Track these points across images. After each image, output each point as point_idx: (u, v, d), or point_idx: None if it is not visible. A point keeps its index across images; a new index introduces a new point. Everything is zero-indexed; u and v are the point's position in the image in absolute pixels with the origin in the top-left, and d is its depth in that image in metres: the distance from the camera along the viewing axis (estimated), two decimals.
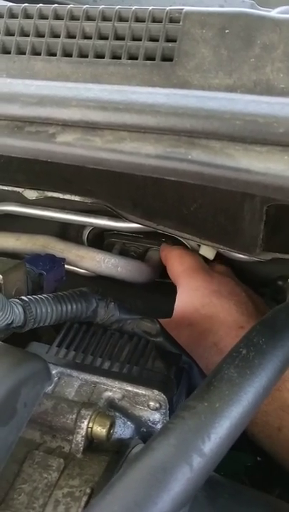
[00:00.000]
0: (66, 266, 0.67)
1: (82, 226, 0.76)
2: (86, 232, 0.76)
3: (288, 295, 0.63)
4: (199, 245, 0.69)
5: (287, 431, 0.49)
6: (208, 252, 0.68)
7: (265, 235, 0.52)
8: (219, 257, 0.68)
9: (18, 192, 0.65)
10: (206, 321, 0.58)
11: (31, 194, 0.66)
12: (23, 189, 0.65)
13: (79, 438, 0.35)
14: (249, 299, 0.62)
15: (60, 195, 0.64)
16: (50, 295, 0.41)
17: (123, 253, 0.75)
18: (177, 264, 0.67)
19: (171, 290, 0.66)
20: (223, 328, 0.56)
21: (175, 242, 0.72)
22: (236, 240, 0.55)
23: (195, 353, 0.53)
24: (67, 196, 0.64)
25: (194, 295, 0.61)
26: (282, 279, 0.66)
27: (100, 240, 0.77)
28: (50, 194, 0.65)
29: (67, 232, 0.77)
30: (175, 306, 0.63)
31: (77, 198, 0.64)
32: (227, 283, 0.63)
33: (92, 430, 0.36)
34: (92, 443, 0.37)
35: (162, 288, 0.73)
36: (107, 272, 0.69)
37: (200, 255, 0.69)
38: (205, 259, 0.69)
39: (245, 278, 0.68)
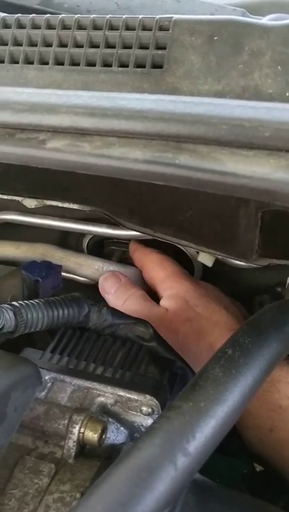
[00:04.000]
0: (65, 274, 0.67)
1: (81, 234, 0.76)
2: (86, 241, 0.77)
3: None
4: (198, 252, 0.69)
5: (278, 431, 0.49)
6: (206, 259, 0.68)
7: (260, 240, 0.52)
8: (218, 264, 0.68)
9: (18, 201, 0.66)
10: (202, 319, 0.58)
11: (30, 203, 0.67)
12: (22, 198, 0.66)
13: (71, 443, 0.35)
14: (235, 306, 0.63)
15: (59, 204, 0.65)
16: (42, 300, 0.42)
17: (122, 261, 0.75)
18: (158, 270, 0.66)
19: None
20: (217, 330, 0.56)
21: (175, 249, 0.72)
22: (232, 246, 0.55)
23: (192, 352, 0.53)
24: (66, 204, 0.64)
25: (187, 295, 0.61)
26: (281, 286, 0.66)
27: (100, 248, 0.78)
28: (49, 202, 0.65)
29: (66, 241, 0.78)
30: (167, 306, 0.61)
31: (75, 206, 0.64)
32: (213, 289, 0.64)
33: (83, 435, 0.36)
34: (84, 448, 0.37)
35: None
36: None
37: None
38: (204, 266, 0.69)
39: (243, 285, 0.68)
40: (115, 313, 0.47)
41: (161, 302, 0.62)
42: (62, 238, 0.77)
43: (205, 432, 0.28)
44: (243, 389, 0.30)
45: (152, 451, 0.27)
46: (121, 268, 0.70)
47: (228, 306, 0.61)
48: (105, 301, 0.63)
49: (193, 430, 0.28)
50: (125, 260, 0.76)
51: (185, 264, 0.73)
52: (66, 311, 0.42)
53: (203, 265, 0.69)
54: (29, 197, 0.65)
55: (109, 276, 0.66)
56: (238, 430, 0.51)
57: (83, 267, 0.70)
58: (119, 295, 0.63)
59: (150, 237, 0.64)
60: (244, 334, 0.34)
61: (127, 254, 0.76)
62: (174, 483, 0.27)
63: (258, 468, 0.54)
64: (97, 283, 0.71)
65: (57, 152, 0.33)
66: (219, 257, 0.66)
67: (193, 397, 0.30)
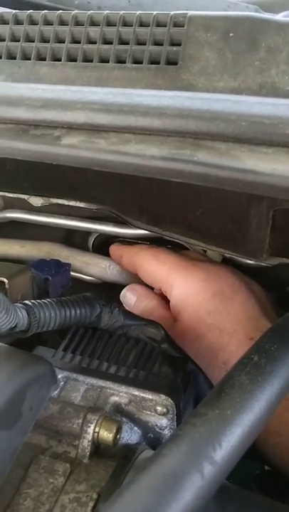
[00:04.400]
0: (72, 273, 0.67)
1: (87, 233, 0.76)
2: (91, 240, 0.76)
3: None
4: (205, 251, 0.69)
5: None
6: (214, 257, 0.68)
7: (271, 239, 0.52)
8: (226, 263, 0.68)
9: (24, 199, 0.66)
10: (213, 334, 0.54)
11: (36, 201, 0.66)
12: (28, 196, 0.65)
13: (85, 443, 0.35)
14: (250, 293, 0.57)
15: (66, 202, 0.64)
16: (54, 299, 0.41)
17: None
18: (156, 265, 0.59)
19: None
20: (233, 342, 0.53)
21: (182, 248, 0.72)
22: (243, 245, 0.54)
23: (206, 371, 0.49)
24: (72, 203, 0.64)
25: (196, 301, 0.56)
26: None
27: (106, 247, 0.77)
28: (55, 201, 0.65)
29: (72, 239, 0.77)
30: (175, 313, 0.57)
31: (82, 205, 0.64)
32: (225, 277, 0.58)
33: (98, 435, 0.35)
34: (98, 448, 0.36)
35: None
36: (113, 278, 0.69)
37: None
38: None
39: None
40: (127, 314, 0.47)
41: (171, 306, 0.58)
42: (67, 237, 0.77)
43: (231, 440, 0.28)
44: (269, 397, 0.30)
45: (178, 458, 0.27)
46: None
47: (245, 300, 0.55)
48: (116, 301, 0.60)
49: (220, 438, 0.27)
50: None
51: None
52: (78, 311, 0.42)
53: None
54: (36, 195, 0.65)
55: (126, 291, 0.63)
56: (259, 447, 0.49)
57: (90, 265, 0.69)
58: (137, 308, 0.59)
59: (157, 236, 0.64)
60: (270, 340, 0.33)
61: None
62: (200, 493, 0.26)
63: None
64: (104, 282, 0.71)
65: (72, 148, 0.33)
66: (227, 255, 0.66)
67: (219, 404, 0.29)
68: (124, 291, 0.63)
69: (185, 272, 0.57)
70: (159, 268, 0.58)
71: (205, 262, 0.61)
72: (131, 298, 0.61)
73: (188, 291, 0.56)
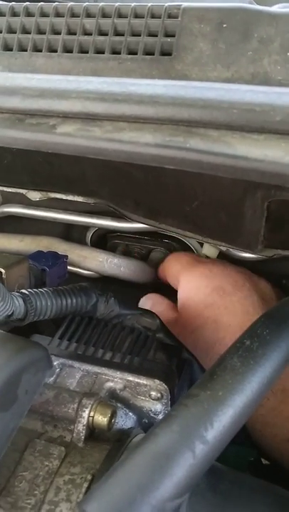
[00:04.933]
0: (70, 267, 0.67)
1: (85, 228, 0.76)
2: (89, 234, 0.77)
3: None
4: (202, 245, 0.70)
5: None
6: (210, 251, 0.68)
7: (266, 231, 0.52)
8: (222, 257, 0.68)
9: (22, 193, 0.66)
10: (210, 326, 0.55)
11: (35, 195, 0.67)
12: (26, 190, 0.66)
13: (80, 427, 0.36)
14: (254, 290, 0.59)
15: (64, 196, 0.65)
16: (50, 288, 0.42)
17: (126, 254, 0.75)
18: (175, 263, 0.65)
19: (173, 290, 0.66)
20: (229, 335, 0.54)
21: (178, 242, 0.72)
22: (238, 236, 0.55)
23: (203, 363, 0.51)
24: (70, 197, 0.64)
25: (196, 295, 0.59)
26: (286, 278, 0.66)
27: (103, 242, 0.78)
28: (53, 195, 0.65)
29: (70, 234, 0.78)
30: (178, 308, 0.61)
31: (80, 199, 0.64)
32: (229, 274, 0.60)
33: (93, 419, 0.36)
34: (93, 432, 0.37)
35: (165, 288, 0.73)
36: (110, 272, 0.70)
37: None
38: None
39: None
40: (122, 303, 0.47)
41: (178, 301, 0.61)
42: (65, 231, 0.78)
43: (223, 420, 0.28)
44: (261, 379, 0.30)
45: (170, 437, 0.27)
46: (125, 261, 0.70)
47: (245, 297, 0.58)
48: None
49: (211, 419, 0.28)
50: (129, 253, 0.76)
51: None
52: (74, 300, 0.43)
53: (207, 258, 0.69)
54: (34, 189, 0.65)
55: (143, 299, 0.66)
56: (256, 438, 0.50)
57: (88, 259, 0.70)
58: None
59: (154, 230, 0.64)
60: (262, 325, 0.34)
61: (131, 248, 0.76)
62: (192, 471, 0.27)
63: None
64: (101, 276, 0.71)
65: (67, 137, 0.33)
66: (223, 249, 0.66)
67: (211, 385, 0.30)
68: (142, 299, 0.67)
69: (191, 268, 0.62)
70: (176, 265, 0.65)
71: (214, 261, 0.65)
72: (146, 305, 0.64)
73: (190, 285, 0.60)
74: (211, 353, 0.53)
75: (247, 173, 0.31)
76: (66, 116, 0.34)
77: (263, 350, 0.32)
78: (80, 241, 0.77)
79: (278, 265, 0.66)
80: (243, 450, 0.47)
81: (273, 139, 0.30)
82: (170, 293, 0.68)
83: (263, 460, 0.52)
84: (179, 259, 0.65)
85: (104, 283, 0.71)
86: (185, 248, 0.73)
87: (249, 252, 0.56)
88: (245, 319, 0.55)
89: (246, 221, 0.52)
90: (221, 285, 0.58)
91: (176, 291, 0.64)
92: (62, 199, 0.65)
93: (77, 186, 0.61)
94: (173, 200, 0.56)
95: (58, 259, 0.54)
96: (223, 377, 0.30)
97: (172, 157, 0.31)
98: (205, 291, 0.58)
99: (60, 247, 0.71)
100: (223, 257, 0.68)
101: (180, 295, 0.62)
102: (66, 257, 0.57)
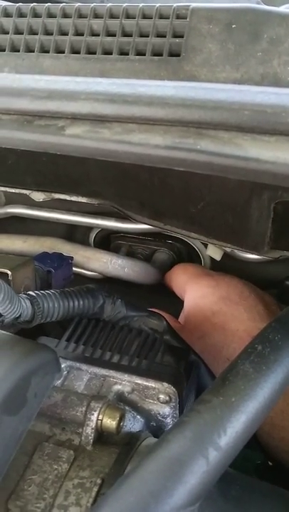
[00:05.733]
0: (73, 268, 0.67)
1: (88, 228, 0.76)
2: (93, 235, 0.77)
3: None
4: (206, 246, 0.69)
5: None
6: (215, 252, 0.68)
7: (272, 232, 0.52)
8: (226, 258, 0.68)
9: (25, 194, 0.66)
10: (218, 332, 0.56)
11: (38, 196, 0.66)
12: (30, 191, 0.66)
13: (89, 430, 0.35)
14: (259, 301, 0.60)
15: (67, 197, 0.64)
16: (58, 291, 0.41)
17: (130, 255, 0.75)
18: (181, 273, 0.67)
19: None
20: (236, 340, 0.55)
21: (181, 243, 0.72)
22: (244, 238, 0.54)
23: (210, 367, 0.52)
24: (74, 198, 0.64)
25: (202, 303, 0.60)
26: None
27: (107, 243, 0.78)
28: (57, 196, 0.65)
29: (73, 235, 0.78)
30: (184, 315, 0.61)
31: (84, 200, 0.64)
32: (235, 286, 0.62)
33: (102, 422, 0.36)
34: (101, 435, 0.37)
35: (169, 289, 0.73)
36: (114, 273, 0.70)
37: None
38: (212, 260, 0.69)
39: (252, 279, 0.68)
40: (129, 305, 0.47)
41: (183, 310, 0.62)
42: (69, 232, 0.77)
43: (236, 427, 0.28)
44: (273, 385, 0.30)
45: (183, 444, 0.27)
46: (129, 262, 0.70)
47: (250, 306, 0.59)
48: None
49: (225, 425, 0.28)
50: (132, 254, 0.76)
51: (193, 258, 0.73)
52: (81, 302, 0.42)
53: (212, 259, 0.69)
54: (37, 190, 0.65)
55: None
56: (263, 440, 0.50)
57: (91, 260, 0.70)
58: None
59: (158, 230, 0.64)
60: (274, 331, 0.34)
61: (134, 249, 0.76)
62: (205, 478, 0.27)
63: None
64: (105, 277, 0.71)
65: (76, 138, 0.33)
66: (228, 250, 0.66)
67: (224, 391, 0.30)
68: None
69: (198, 279, 0.63)
70: (182, 275, 0.66)
71: (220, 273, 0.66)
72: None
73: (196, 294, 0.61)
74: (218, 357, 0.54)
75: (258, 175, 0.30)
76: (75, 118, 0.33)
77: (275, 356, 0.32)
78: (84, 242, 0.76)
79: (281, 267, 0.66)
80: (250, 454, 0.47)
81: (285, 140, 0.30)
82: (173, 295, 0.68)
83: (269, 463, 0.52)
84: (186, 270, 0.67)
85: (109, 284, 0.70)
86: (189, 249, 0.73)
87: (255, 254, 0.55)
88: (252, 325, 0.56)
89: (252, 222, 0.52)
90: (228, 295, 0.60)
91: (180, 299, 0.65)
92: (65, 200, 0.64)
93: (82, 187, 0.61)
94: (178, 201, 0.56)
95: (63, 261, 0.54)
96: (236, 383, 0.30)
97: (182, 159, 0.31)
98: (212, 300, 0.60)
99: (64, 247, 0.71)
100: (228, 258, 0.68)
101: (186, 304, 0.63)
102: (71, 258, 0.57)
